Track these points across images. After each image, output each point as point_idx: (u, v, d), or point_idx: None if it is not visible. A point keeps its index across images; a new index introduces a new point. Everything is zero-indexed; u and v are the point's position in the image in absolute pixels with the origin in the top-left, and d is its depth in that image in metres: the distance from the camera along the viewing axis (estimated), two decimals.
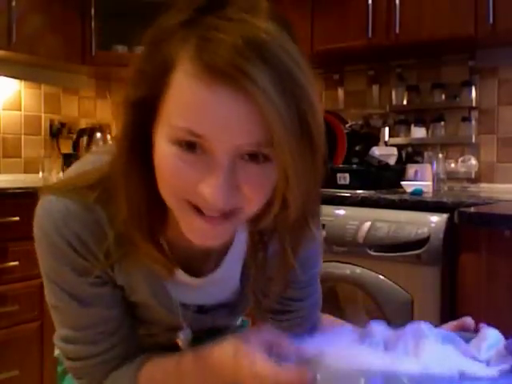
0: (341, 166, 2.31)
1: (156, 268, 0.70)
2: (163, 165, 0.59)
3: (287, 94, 0.55)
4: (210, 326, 0.84)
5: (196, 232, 0.63)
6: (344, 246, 1.90)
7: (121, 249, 0.69)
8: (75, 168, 0.73)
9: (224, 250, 0.77)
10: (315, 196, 0.66)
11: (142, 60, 0.61)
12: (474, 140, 2.45)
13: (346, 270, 1.90)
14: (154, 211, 0.66)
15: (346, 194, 2.01)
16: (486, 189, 2.43)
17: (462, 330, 0.77)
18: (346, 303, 2.08)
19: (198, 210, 0.61)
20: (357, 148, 2.39)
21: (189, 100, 0.56)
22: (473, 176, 2.45)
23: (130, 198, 0.64)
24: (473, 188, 2.45)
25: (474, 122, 2.46)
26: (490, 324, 0.71)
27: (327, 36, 2.51)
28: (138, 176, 0.63)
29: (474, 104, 2.45)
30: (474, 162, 2.44)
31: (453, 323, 0.79)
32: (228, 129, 0.55)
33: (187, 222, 0.63)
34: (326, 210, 1.98)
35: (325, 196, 2.30)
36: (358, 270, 1.87)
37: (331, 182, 2.21)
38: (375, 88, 2.74)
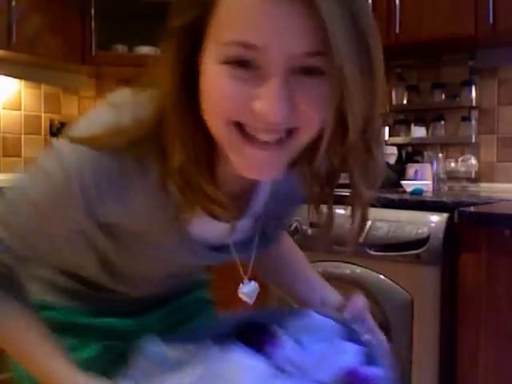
0: None
1: (208, 207, 0.66)
2: (214, 86, 0.56)
3: (347, 5, 0.54)
4: (219, 262, 0.82)
5: (249, 163, 0.59)
6: (344, 245, 1.90)
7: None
8: (107, 118, 0.65)
9: (250, 197, 0.75)
10: (376, 119, 0.61)
11: None
12: (474, 140, 2.45)
13: (346, 269, 1.90)
14: (206, 150, 0.62)
15: (346, 193, 2.01)
16: (485, 188, 2.43)
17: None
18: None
19: (250, 138, 0.57)
20: None
21: (241, 10, 0.53)
22: (473, 176, 2.45)
23: (186, 137, 0.60)
24: (473, 188, 2.45)
25: (473, 122, 2.46)
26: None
27: None
28: (191, 112, 0.59)
29: (474, 104, 2.46)
30: (473, 161, 2.44)
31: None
32: (282, 35, 0.53)
33: (239, 153, 0.59)
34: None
35: None
36: (358, 269, 1.87)
37: None
38: None
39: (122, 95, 0.67)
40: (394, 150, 2.48)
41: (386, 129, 2.66)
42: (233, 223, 0.72)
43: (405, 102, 2.64)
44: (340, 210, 2.18)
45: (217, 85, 0.56)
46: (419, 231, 1.75)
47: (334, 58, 0.53)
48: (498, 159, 2.45)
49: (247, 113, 0.56)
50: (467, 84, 2.47)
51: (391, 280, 1.80)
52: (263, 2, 0.52)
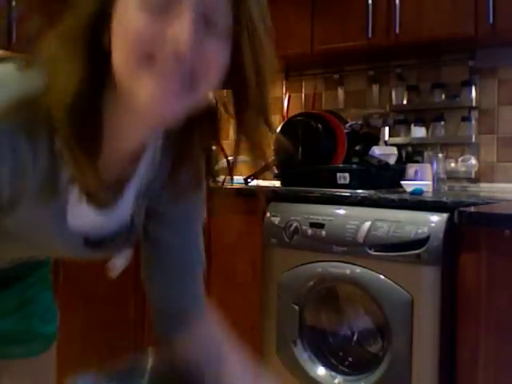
0: (341, 165, 2.31)
1: (81, 181, 0.66)
2: (130, 29, 0.60)
3: None
4: (93, 257, 0.81)
5: (154, 100, 0.62)
6: (344, 245, 1.90)
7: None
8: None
9: (125, 180, 0.75)
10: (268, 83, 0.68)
11: None
12: (474, 140, 2.45)
13: (346, 269, 1.90)
14: (97, 123, 0.65)
15: (346, 193, 2.01)
16: (485, 188, 2.43)
17: None
18: (346, 303, 2.08)
19: (157, 70, 0.61)
20: (357, 148, 2.39)
21: None
22: (473, 176, 2.45)
23: (80, 108, 0.62)
24: (473, 188, 2.45)
25: (474, 122, 2.46)
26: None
27: (327, 36, 2.51)
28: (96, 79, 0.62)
29: (474, 104, 2.46)
30: (473, 161, 2.44)
31: None
32: None
33: (146, 91, 0.61)
34: (326, 209, 1.98)
35: (325, 196, 2.30)
36: (358, 269, 1.87)
37: (331, 182, 2.21)
38: (375, 88, 2.74)
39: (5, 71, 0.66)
40: (394, 150, 2.48)
41: (386, 129, 2.66)
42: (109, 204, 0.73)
43: (405, 102, 2.64)
44: (340, 211, 2.19)
45: (134, 25, 0.60)
46: (419, 231, 1.75)
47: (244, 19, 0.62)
48: (498, 159, 2.45)
49: (160, 42, 0.60)
50: (467, 84, 2.47)
51: (391, 280, 1.80)
52: None
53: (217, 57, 0.62)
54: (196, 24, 0.59)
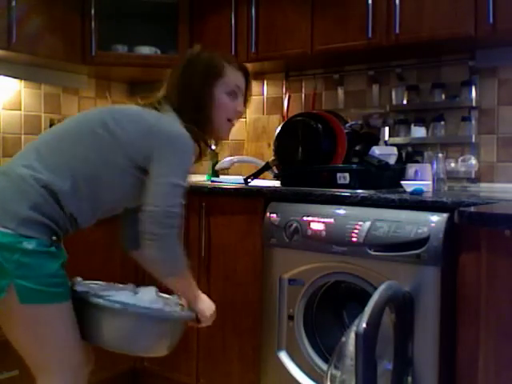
0: (341, 165, 2.31)
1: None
2: (224, 105, 1.60)
3: None
4: None
5: (228, 132, 1.66)
6: (344, 245, 1.90)
7: None
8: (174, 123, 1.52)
9: None
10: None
11: None
12: (473, 140, 2.45)
13: (346, 269, 1.90)
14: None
15: (346, 193, 2.01)
16: (485, 188, 2.43)
17: None
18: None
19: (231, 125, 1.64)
20: (357, 148, 2.39)
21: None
22: (473, 176, 2.46)
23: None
24: (473, 188, 2.45)
25: (474, 122, 2.46)
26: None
27: (327, 36, 2.51)
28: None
29: (474, 104, 2.46)
30: (473, 161, 2.44)
31: None
32: None
33: (225, 130, 1.65)
34: (326, 209, 1.99)
35: (325, 196, 2.29)
36: (358, 269, 1.87)
37: (331, 182, 2.21)
38: (375, 88, 2.74)
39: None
40: (394, 150, 2.47)
41: (386, 129, 2.66)
42: None
43: (405, 102, 2.64)
44: (340, 211, 2.18)
45: (226, 103, 1.61)
46: (419, 231, 1.75)
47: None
48: (498, 159, 2.45)
49: (233, 112, 1.64)
50: (467, 84, 2.47)
51: (391, 280, 1.79)
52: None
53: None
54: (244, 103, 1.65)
